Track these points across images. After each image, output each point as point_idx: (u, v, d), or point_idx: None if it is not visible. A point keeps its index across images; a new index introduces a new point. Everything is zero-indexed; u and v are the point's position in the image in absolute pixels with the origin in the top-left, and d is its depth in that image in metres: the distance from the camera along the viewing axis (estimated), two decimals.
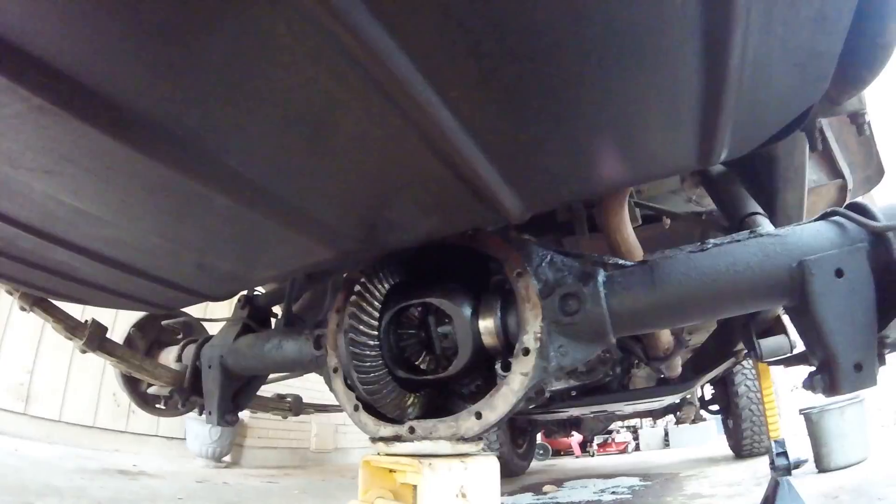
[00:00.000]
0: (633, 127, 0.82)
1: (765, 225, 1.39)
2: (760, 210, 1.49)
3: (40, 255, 1.27)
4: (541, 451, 10.01)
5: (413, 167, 0.84)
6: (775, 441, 3.00)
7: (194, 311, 2.40)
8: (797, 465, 2.98)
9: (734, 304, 1.08)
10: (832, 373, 1.03)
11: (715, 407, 6.13)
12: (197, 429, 6.53)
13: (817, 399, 4.86)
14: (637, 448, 11.49)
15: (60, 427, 6.81)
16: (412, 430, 1.13)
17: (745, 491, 3.86)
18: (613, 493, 4.51)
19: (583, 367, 2.71)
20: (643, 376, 3.42)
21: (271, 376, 2.29)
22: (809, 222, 1.12)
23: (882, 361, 1.06)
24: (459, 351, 1.14)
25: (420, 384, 1.25)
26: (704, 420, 10.17)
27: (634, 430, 11.71)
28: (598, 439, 11.41)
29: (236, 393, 1.94)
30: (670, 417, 6.94)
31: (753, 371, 5.11)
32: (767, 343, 1.77)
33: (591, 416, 5.16)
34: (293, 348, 1.54)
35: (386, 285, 1.20)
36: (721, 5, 0.61)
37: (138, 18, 0.57)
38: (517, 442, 6.09)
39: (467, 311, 1.14)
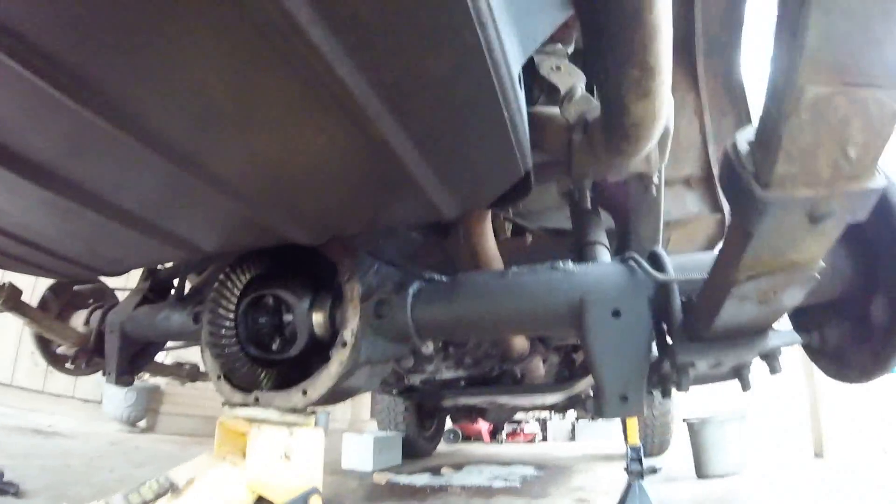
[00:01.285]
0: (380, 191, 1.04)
1: (601, 256, 1.53)
2: (603, 241, 1.63)
3: None
4: (451, 436, 10.34)
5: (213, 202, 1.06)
6: (631, 447, 3.28)
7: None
8: (651, 471, 3.27)
9: (521, 327, 1.31)
10: (599, 400, 1.14)
11: None
12: (112, 393, 6.54)
13: (703, 411, 5.26)
14: (545, 439, 11.85)
15: None
16: (256, 399, 1.38)
17: (622, 488, 4.24)
18: (505, 480, 4.81)
19: (469, 360, 3.00)
20: (540, 374, 3.70)
21: (173, 344, 2.49)
22: (607, 263, 1.29)
23: (651, 392, 1.21)
24: (298, 337, 1.39)
25: (273, 362, 1.49)
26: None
27: (543, 422, 12.10)
28: (507, 428, 11.76)
29: (134, 356, 2.13)
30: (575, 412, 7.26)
31: None
32: None
33: (491, 405, 5.42)
34: (178, 321, 1.75)
35: (246, 276, 1.43)
36: None
37: None
38: (424, 425, 6.31)
39: (305, 304, 1.39)
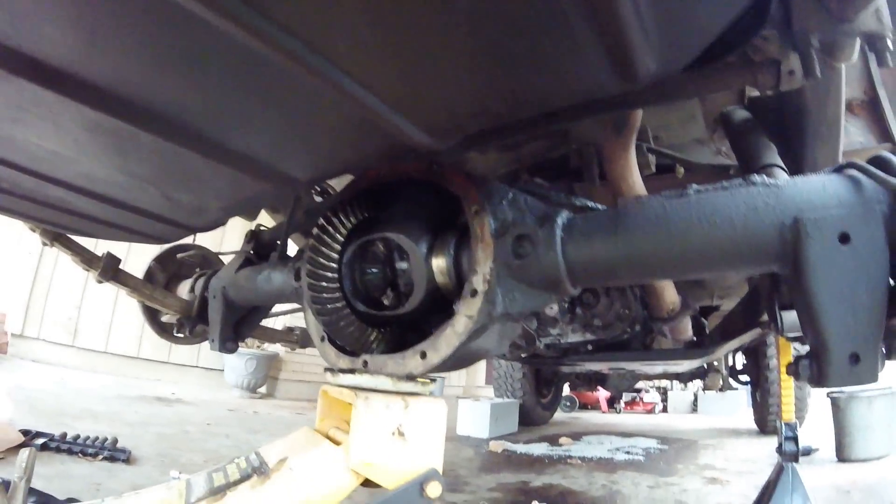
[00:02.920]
0: (516, 54, 0.72)
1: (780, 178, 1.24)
2: (780, 163, 1.35)
3: (41, 193, 1.41)
4: (567, 404, 10.09)
5: (314, 108, 0.85)
6: (786, 424, 2.87)
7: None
8: (806, 452, 2.85)
9: (708, 265, 0.93)
10: (821, 361, 0.87)
11: (745, 378, 6.00)
12: (233, 361, 6.85)
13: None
14: (664, 410, 11.37)
15: (105, 358, 7.22)
16: (365, 363, 1.14)
17: (757, 469, 3.82)
18: (628, 452, 4.52)
19: (599, 322, 2.69)
20: (669, 338, 3.34)
21: (282, 308, 2.37)
22: (819, 175, 0.94)
23: (891, 355, 0.89)
24: (414, 288, 1.12)
25: (385, 320, 1.24)
26: (735, 389, 9.97)
27: (664, 392, 11.54)
28: (626, 397, 11.34)
29: (238, 322, 2.03)
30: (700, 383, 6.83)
31: None
32: (791, 317, 1.68)
33: (614, 373, 5.11)
34: (280, 280, 1.56)
35: (350, 220, 1.19)
36: None
37: None
38: (541, 392, 6.13)
39: (423, 247, 1.12)
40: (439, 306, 1.21)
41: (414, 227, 1.14)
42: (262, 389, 7.27)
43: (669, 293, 2.00)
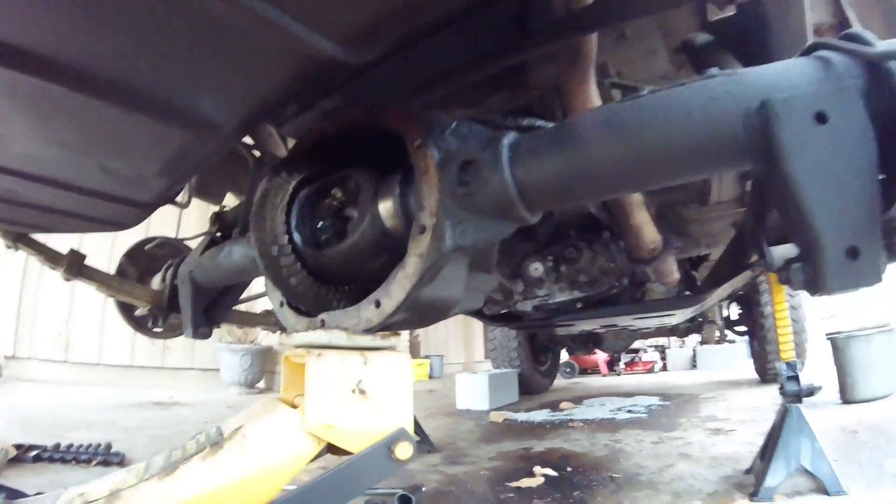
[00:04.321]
0: None
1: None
2: None
3: None
4: (567, 370, 10.06)
5: (218, 31, 0.78)
6: (786, 363, 2.81)
7: None
8: (810, 392, 2.79)
9: (668, 168, 0.84)
10: (816, 261, 0.77)
11: (742, 328, 5.99)
12: (228, 359, 6.80)
13: (846, 325, 4.64)
14: (664, 368, 11.29)
15: (100, 369, 7.17)
16: (322, 322, 1.07)
17: (760, 417, 3.80)
18: (629, 411, 4.49)
19: (585, 278, 2.64)
20: (661, 292, 3.30)
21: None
22: (784, 61, 0.84)
23: (892, 254, 0.77)
24: (360, 226, 1.05)
25: (345, 280, 1.18)
26: (733, 342, 9.99)
27: (662, 350, 11.55)
28: (625, 358, 11.33)
29: (209, 307, 1.98)
30: (699, 337, 6.85)
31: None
32: (779, 251, 1.63)
33: (607, 331, 5.07)
34: (240, 253, 1.51)
35: (294, 176, 1.12)
36: None
37: None
38: (539, 359, 6.10)
39: (369, 192, 1.05)
40: (395, 258, 1.15)
41: (357, 175, 1.07)
42: (261, 384, 7.21)
43: (648, 231, 1.93)
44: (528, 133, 0.95)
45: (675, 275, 2.56)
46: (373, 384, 0.98)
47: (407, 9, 0.76)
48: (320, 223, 1.13)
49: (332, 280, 1.17)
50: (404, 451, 0.97)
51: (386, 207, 1.04)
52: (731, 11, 1.33)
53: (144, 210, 1.59)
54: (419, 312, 1.04)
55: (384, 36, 0.82)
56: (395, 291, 0.97)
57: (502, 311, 3.11)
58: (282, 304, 1.19)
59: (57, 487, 2.53)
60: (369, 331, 1.01)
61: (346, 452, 0.98)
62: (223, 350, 6.63)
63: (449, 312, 1.14)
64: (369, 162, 1.22)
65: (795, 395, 2.63)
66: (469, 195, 0.92)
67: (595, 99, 1.47)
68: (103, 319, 7.22)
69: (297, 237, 1.11)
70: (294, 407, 1.06)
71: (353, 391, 0.96)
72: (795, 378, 2.71)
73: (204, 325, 1.94)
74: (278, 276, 1.10)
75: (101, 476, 2.84)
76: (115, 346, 7.25)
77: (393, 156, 1.17)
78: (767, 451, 2.35)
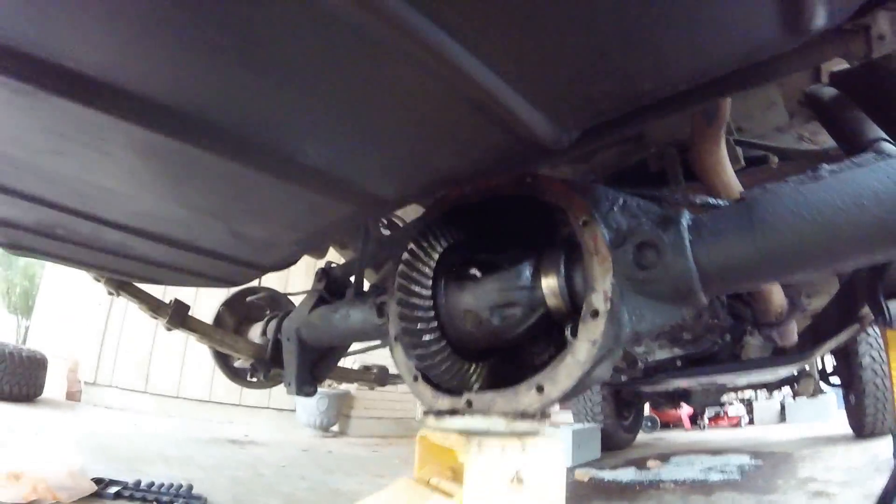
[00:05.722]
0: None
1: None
2: (887, 137, 1.20)
3: (98, 238, 1.33)
4: (649, 424, 9.67)
5: (413, 99, 0.70)
6: None
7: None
8: None
9: (859, 250, 0.80)
10: None
11: (836, 380, 5.63)
12: (305, 401, 6.89)
13: None
14: (751, 422, 10.82)
15: (178, 402, 7.36)
16: (469, 403, 1.00)
17: (862, 478, 3.51)
18: (722, 472, 4.23)
19: (688, 336, 2.52)
20: (757, 345, 3.15)
21: (358, 346, 2.29)
22: None
23: None
24: (522, 314, 0.99)
25: (482, 354, 1.12)
26: (823, 393, 9.48)
27: (748, 403, 10.98)
28: (709, 412, 10.81)
29: (314, 364, 1.94)
30: (787, 390, 6.46)
31: (880, 340, 4.61)
32: None
33: (700, 388, 4.85)
34: (359, 317, 1.47)
35: (439, 246, 1.08)
36: None
37: None
38: (622, 414, 5.88)
39: (528, 269, 0.99)
40: (542, 332, 1.08)
41: (512, 246, 1.02)
42: (335, 428, 7.26)
43: (777, 296, 1.84)
44: (705, 213, 0.89)
45: (796, 336, 2.42)
46: (530, 472, 0.92)
47: (630, 89, 0.70)
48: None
49: (469, 354, 1.11)
50: None
51: (549, 285, 0.98)
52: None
53: (260, 271, 1.58)
54: (569, 396, 0.97)
55: (599, 114, 0.76)
56: (561, 377, 0.90)
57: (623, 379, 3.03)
58: (416, 379, 1.14)
59: None
60: (525, 415, 0.95)
61: None
62: None
63: (588, 389, 1.08)
64: (506, 233, 1.18)
65: None
66: (648, 280, 0.86)
67: (726, 158, 1.41)
68: (185, 353, 7.45)
69: (442, 311, 1.06)
70: (433, 488, 1.01)
71: (512, 479, 0.90)
72: None
73: (309, 382, 1.91)
74: (420, 351, 1.05)
75: None
76: (195, 381, 7.45)
77: (537, 228, 1.12)
78: None
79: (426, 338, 1.04)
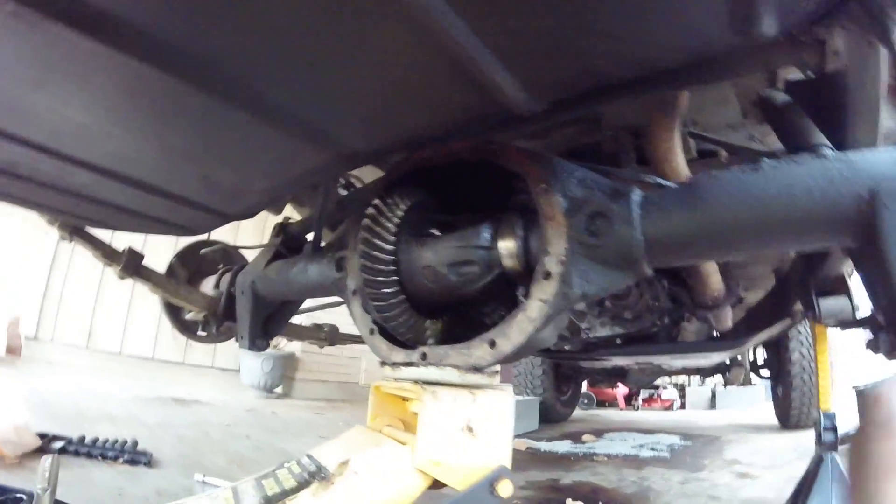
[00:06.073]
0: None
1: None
2: (828, 143, 1.29)
3: (62, 179, 1.29)
4: (585, 401, 9.93)
5: (398, 53, 0.72)
6: (824, 413, 2.82)
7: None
8: (845, 440, 2.80)
9: (787, 236, 0.91)
10: None
11: (766, 372, 5.92)
12: (249, 361, 6.82)
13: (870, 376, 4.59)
14: (682, 406, 11.22)
15: (121, 360, 7.21)
16: (424, 356, 1.06)
17: (784, 462, 3.76)
18: (652, 449, 4.45)
19: (629, 315, 2.62)
20: (693, 330, 3.30)
21: (308, 305, 2.30)
22: (886, 149, 0.92)
23: None
24: (479, 273, 1.05)
25: (437, 309, 1.17)
26: (753, 384, 9.93)
27: (681, 388, 11.44)
28: (643, 394, 11.26)
29: (267, 319, 1.95)
30: (718, 378, 6.76)
31: (810, 337, 4.85)
32: (828, 304, 1.63)
33: (637, 367, 5.05)
34: (317, 272, 1.50)
35: (403, 205, 1.12)
36: None
37: None
38: (561, 389, 6.06)
39: (487, 230, 1.05)
40: (494, 293, 1.14)
41: (471, 209, 1.07)
42: (279, 390, 7.23)
43: (715, 280, 1.94)
44: (654, 190, 0.97)
45: (730, 322, 2.55)
46: (480, 422, 0.98)
47: (590, 70, 0.75)
48: None
49: (424, 310, 1.17)
50: (506, 488, 0.96)
51: (506, 247, 1.03)
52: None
53: (223, 220, 1.57)
54: (521, 352, 1.03)
55: (565, 90, 0.81)
56: (514, 334, 0.96)
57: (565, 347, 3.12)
58: (372, 332, 1.19)
59: (85, 486, 2.53)
60: (478, 369, 1.01)
61: (442, 486, 0.98)
62: (246, 352, 6.67)
63: (537, 349, 1.14)
64: (463, 197, 1.22)
65: (832, 444, 2.64)
66: (597, 247, 0.93)
67: (678, 147, 1.48)
68: (129, 310, 7.28)
69: (403, 267, 1.11)
70: (395, 441, 1.06)
71: (462, 429, 0.96)
72: (833, 429, 2.72)
73: (261, 336, 1.93)
74: (381, 304, 1.10)
75: (131, 476, 2.81)
76: (138, 338, 7.31)
77: (493, 193, 1.17)
78: (800, 498, 2.34)
79: (385, 290, 1.09)
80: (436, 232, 1.14)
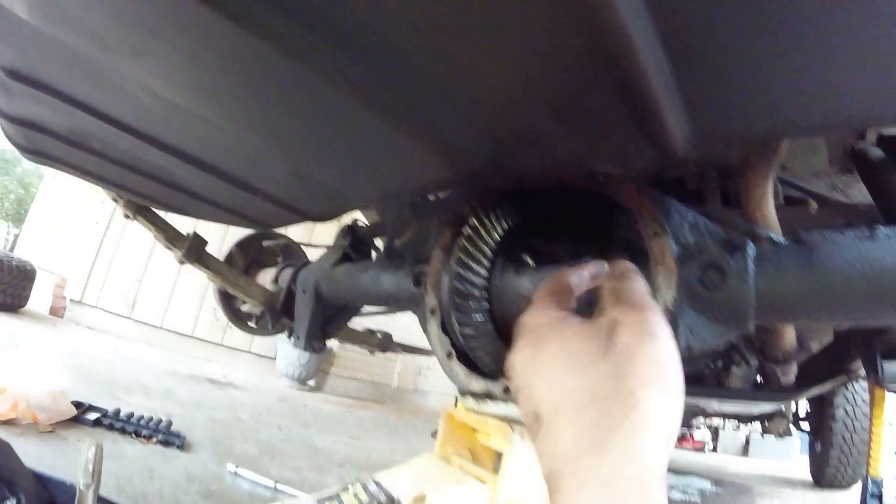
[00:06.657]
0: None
1: None
2: None
3: (139, 158, 1.23)
4: None
5: (564, 68, 0.58)
6: (873, 480, 2.69)
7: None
8: None
9: (891, 310, 0.84)
10: None
11: (806, 425, 5.72)
12: (286, 350, 6.90)
13: None
14: (714, 449, 10.96)
15: (161, 333, 7.37)
16: (506, 389, 1.03)
17: None
18: (684, 492, 4.34)
19: (683, 354, 2.54)
20: (741, 376, 3.20)
21: (364, 311, 2.27)
22: None
23: None
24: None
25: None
26: (790, 435, 9.63)
27: (715, 430, 11.15)
28: None
29: (326, 321, 1.93)
30: (756, 425, 6.56)
31: (857, 395, 4.66)
32: (892, 367, 1.56)
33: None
34: (391, 282, 1.46)
35: (500, 228, 1.09)
36: None
37: None
38: None
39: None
40: None
41: (575, 240, 1.04)
42: (311, 382, 7.29)
43: (790, 334, 1.86)
44: (768, 245, 0.92)
45: (793, 376, 2.46)
46: None
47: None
48: None
49: (509, 340, 1.13)
50: None
51: None
52: None
53: (301, 218, 1.52)
54: None
55: (720, 143, 0.76)
56: None
57: None
58: (449, 355, 1.15)
59: (117, 461, 2.53)
60: None
61: None
62: (283, 341, 6.75)
63: None
64: (553, 220, 1.18)
65: None
66: (708, 299, 0.88)
67: (770, 195, 1.42)
68: (174, 286, 7.44)
69: (494, 294, 1.07)
70: (456, 466, 1.03)
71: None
72: (879, 497, 2.62)
73: (318, 338, 1.91)
74: (464, 326, 1.06)
75: (163, 457, 2.81)
76: (180, 314, 7.45)
77: (591, 226, 1.13)
78: None
79: (475, 315, 1.05)
80: (528, 259, 1.10)
